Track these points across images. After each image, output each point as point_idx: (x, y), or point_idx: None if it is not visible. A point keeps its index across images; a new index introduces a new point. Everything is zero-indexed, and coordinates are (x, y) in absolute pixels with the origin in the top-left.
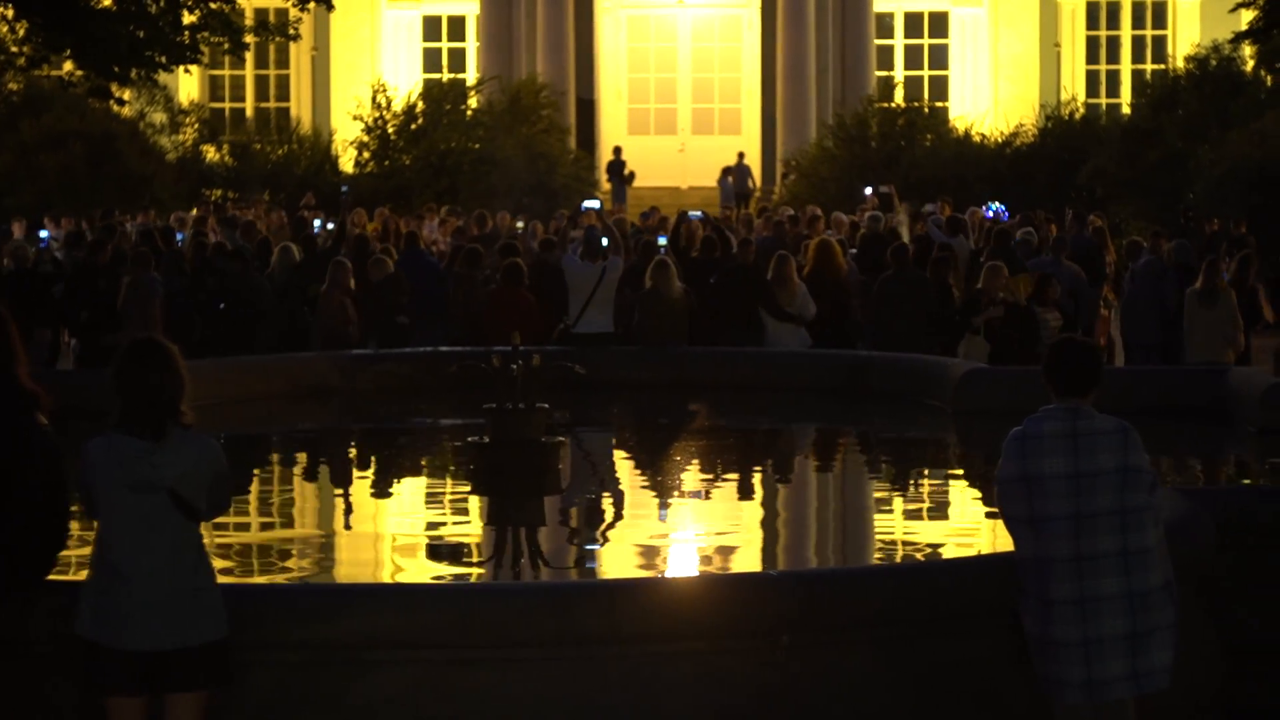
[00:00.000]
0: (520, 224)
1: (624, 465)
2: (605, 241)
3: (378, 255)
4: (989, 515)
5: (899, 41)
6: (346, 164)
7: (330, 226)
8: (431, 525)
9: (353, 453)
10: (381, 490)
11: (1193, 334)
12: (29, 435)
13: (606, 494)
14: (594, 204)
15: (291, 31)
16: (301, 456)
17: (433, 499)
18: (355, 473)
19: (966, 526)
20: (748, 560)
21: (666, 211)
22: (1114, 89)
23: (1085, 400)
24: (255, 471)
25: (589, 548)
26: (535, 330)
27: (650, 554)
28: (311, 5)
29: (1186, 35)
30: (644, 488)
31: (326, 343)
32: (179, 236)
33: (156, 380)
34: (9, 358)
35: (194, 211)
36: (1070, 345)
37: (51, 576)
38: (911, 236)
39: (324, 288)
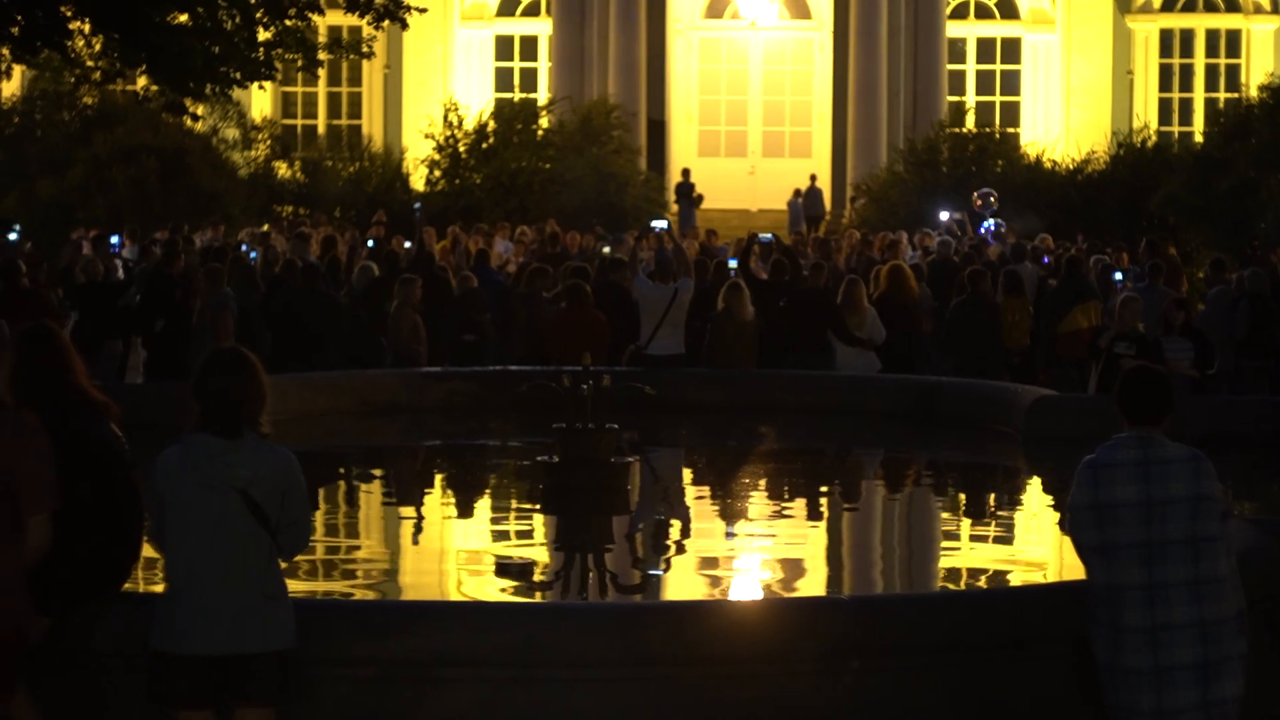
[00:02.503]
0: (607, 249)
1: (692, 486)
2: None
3: (465, 272)
4: (1057, 542)
5: (971, 66)
6: (417, 182)
7: (407, 245)
8: (500, 543)
9: (421, 470)
10: (450, 508)
11: None
12: (97, 446)
13: (674, 515)
14: (662, 224)
15: (365, 49)
16: (370, 473)
17: (501, 517)
18: (423, 490)
19: (1034, 553)
20: (814, 584)
21: (736, 234)
22: (1186, 117)
23: (1158, 428)
24: (323, 488)
25: (656, 569)
26: (603, 351)
27: (716, 576)
28: (386, 24)
29: (1260, 64)
30: (711, 509)
31: (397, 360)
32: (252, 255)
33: (237, 385)
34: (64, 369)
35: (264, 227)
36: (1143, 373)
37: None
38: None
39: (394, 305)
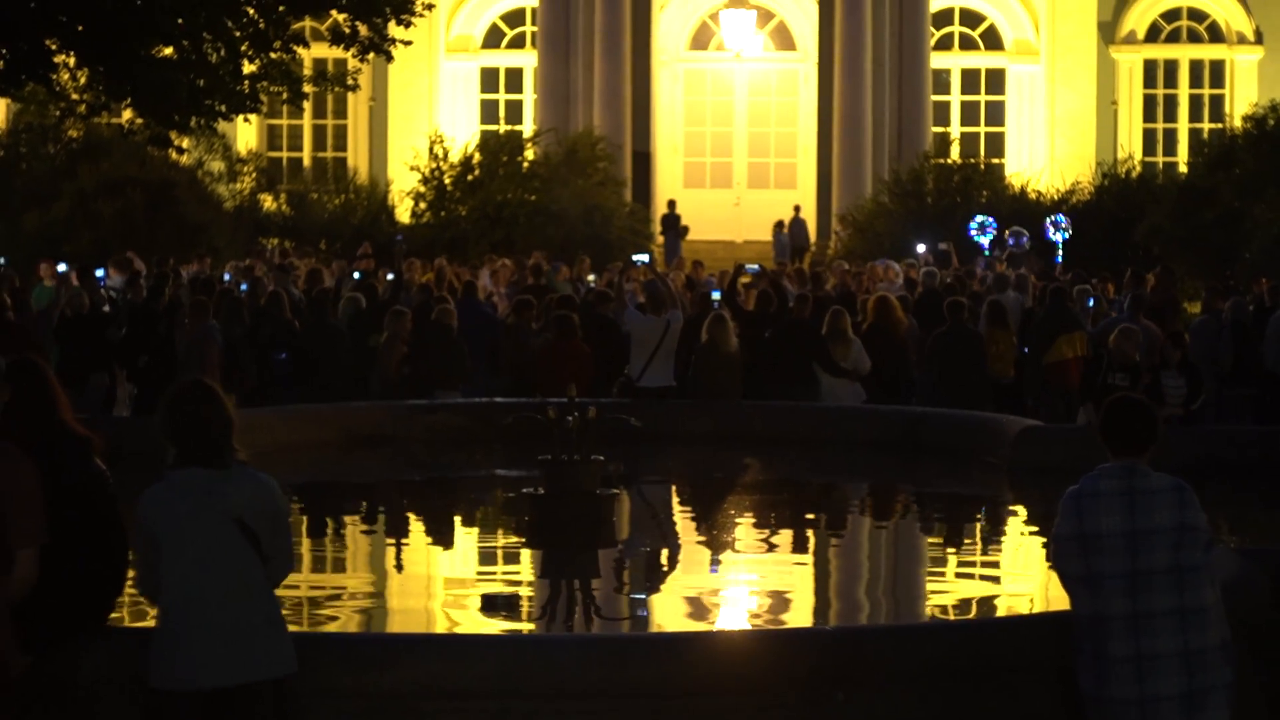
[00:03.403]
0: (591, 277)
1: (678, 518)
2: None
3: (444, 306)
4: (1042, 573)
5: (955, 97)
6: (403, 214)
7: (390, 277)
8: (485, 576)
9: (407, 502)
10: (435, 540)
11: None
12: (81, 479)
13: (660, 546)
14: (644, 257)
15: (351, 82)
16: (356, 505)
17: (487, 550)
18: (409, 522)
19: (1019, 584)
20: (799, 615)
21: (722, 265)
22: (1171, 147)
23: (1141, 458)
24: (310, 520)
25: (641, 600)
26: (587, 382)
27: (702, 607)
28: (371, 56)
29: (1244, 94)
30: (697, 541)
31: (385, 392)
32: (242, 287)
33: (210, 415)
34: (50, 404)
35: (246, 261)
36: (1126, 404)
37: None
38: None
39: (383, 338)
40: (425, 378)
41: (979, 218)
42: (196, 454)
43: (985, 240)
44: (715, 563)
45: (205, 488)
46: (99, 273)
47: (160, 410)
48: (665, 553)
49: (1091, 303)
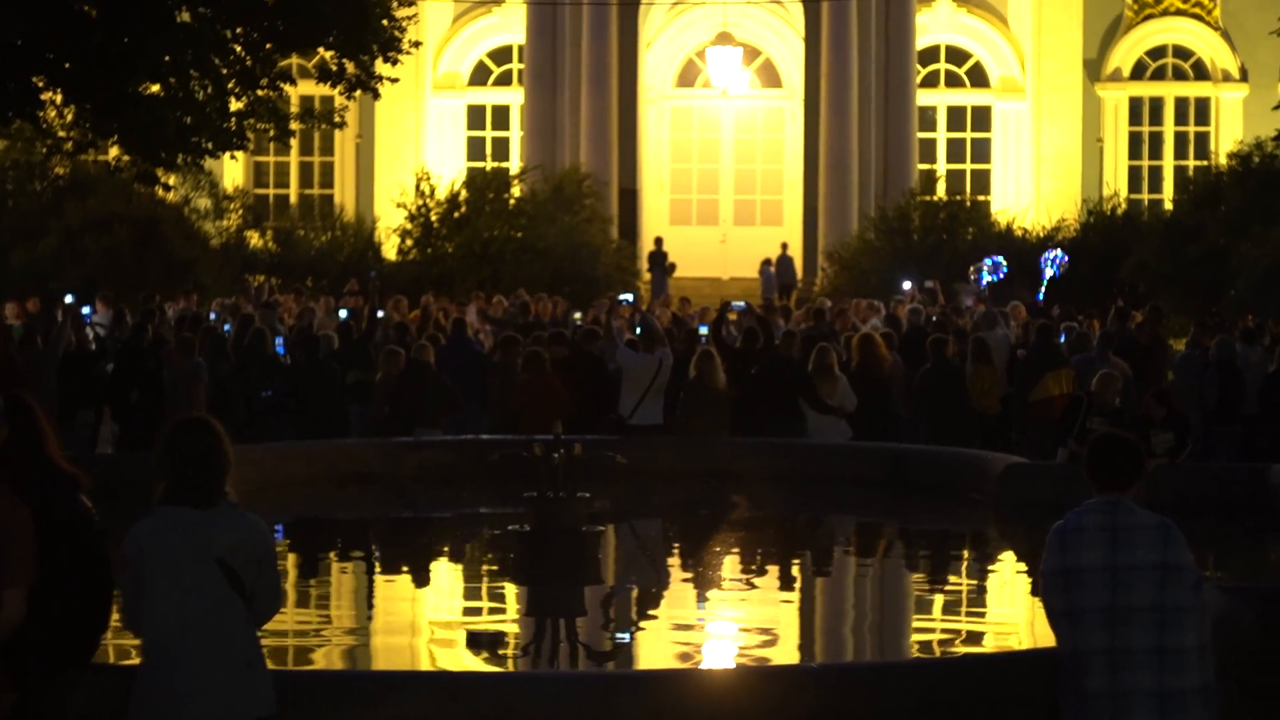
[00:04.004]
0: (577, 315)
1: (664, 555)
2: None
3: (422, 342)
4: (1028, 609)
5: (941, 135)
6: (389, 251)
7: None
8: (471, 613)
9: (393, 539)
10: (421, 577)
11: None
12: (69, 516)
13: (646, 584)
14: (628, 297)
15: (338, 119)
16: (342, 542)
17: (472, 586)
18: (395, 559)
19: (1005, 621)
20: (786, 652)
21: (709, 301)
22: (1156, 184)
23: (1126, 494)
24: (296, 557)
25: (627, 637)
26: (559, 417)
27: (688, 645)
28: (358, 93)
29: (1229, 132)
30: (683, 578)
31: (375, 429)
32: (226, 327)
33: (205, 452)
34: (39, 440)
35: (232, 299)
36: (1110, 440)
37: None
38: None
39: (378, 377)
40: (406, 415)
41: (990, 259)
42: (185, 491)
43: (992, 279)
44: (701, 599)
45: (189, 527)
46: (85, 310)
47: (158, 444)
48: (651, 589)
49: (1063, 338)
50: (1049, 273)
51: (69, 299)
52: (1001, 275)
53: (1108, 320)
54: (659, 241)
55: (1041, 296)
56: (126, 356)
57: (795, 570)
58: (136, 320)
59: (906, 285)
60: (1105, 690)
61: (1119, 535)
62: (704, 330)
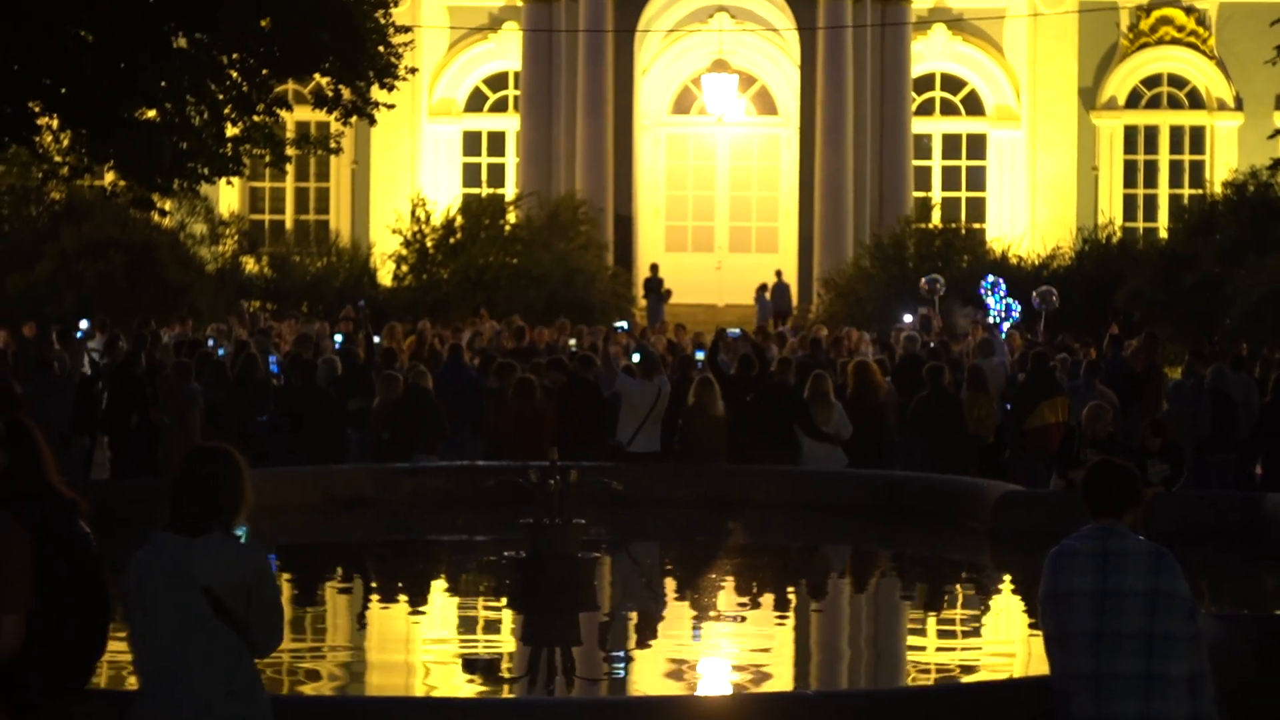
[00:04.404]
0: (573, 341)
1: (659, 582)
2: (636, 357)
3: (419, 368)
4: (1023, 637)
5: (937, 162)
6: (385, 277)
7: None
8: (467, 639)
9: (389, 565)
10: (417, 604)
11: None
12: (67, 541)
13: (641, 610)
14: (623, 324)
15: (334, 145)
16: (337, 569)
17: (468, 613)
18: (391, 585)
19: (1000, 648)
20: (782, 679)
21: (703, 328)
22: (1151, 213)
23: (1120, 520)
24: (291, 583)
25: (623, 664)
26: (549, 443)
27: (684, 671)
28: (354, 119)
29: (1224, 160)
30: (679, 604)
31: (373, 455)
32: (220, 351)
33: (205, 479)
34: (38, 463)
35: (227, 324)
36: (1105, 467)
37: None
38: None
39: (375, 403)
40: (404, 441)
41: (990, 277)
42: (178, 519)
43: (992, 300)
44: (697, 626)
45: (176, 554)
46: (82, 326)
47: (175, 470)
48: (647, 616)
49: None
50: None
51: (85, 324)
52: (1000, 293)
53: (1103, 348)
54: (654, 268)
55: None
56: (121, 381)
57: (791, 597)
58: (130, 346)
59: (908, 318)
60: (1091, 716)
61: (1110, 561)
62: (700, 356)
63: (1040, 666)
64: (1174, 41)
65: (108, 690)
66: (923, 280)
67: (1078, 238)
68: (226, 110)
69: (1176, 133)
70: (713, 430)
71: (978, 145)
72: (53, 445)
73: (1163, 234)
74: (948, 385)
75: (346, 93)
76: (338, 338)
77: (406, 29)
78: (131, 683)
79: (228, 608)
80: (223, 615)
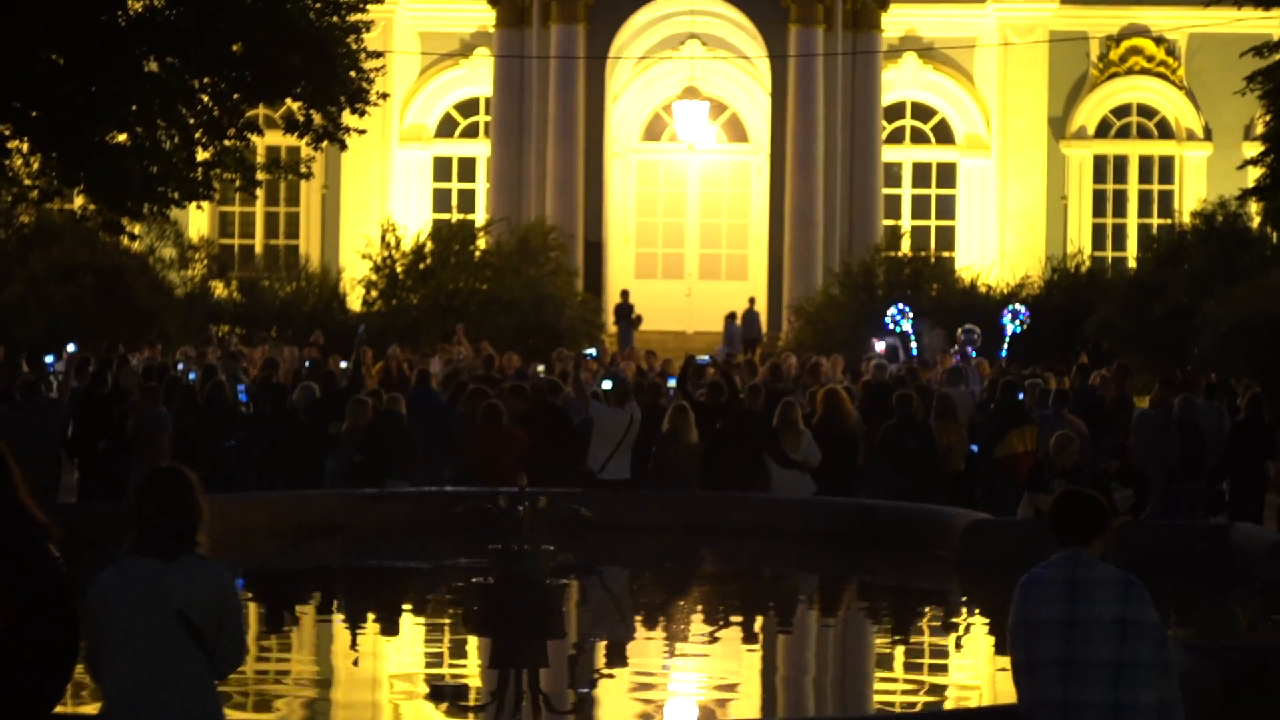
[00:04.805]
0: (540, 367)
1: (628, 609)
2: (608, 385)
3: (394, 394)
4: (990, 666)
5: (906, 191)
6: (354, 302)
7: (344, 365)
8: (433, 665)
9: (357, 590)
10: (384, 629)
11: None
12: (39, 567)
13: (610, 637)
14: (592, 351)
15: (304, 170)
16: (306, 593)
17: (435, 639)
18: (358, 610)
19: (967, 677)
20: (749, 706)
21: (673, 355)
22: (1120, 242)
23: (1088, 549)
24: (259, 609)
25: (591, 692)
26: (517, 468)
27: (652, 699)
28: (325, 144)
29: (1193, 190)
30: (647, 631)
31: (345, 480)
32: (190, 376)
33: (174, 502)
34: (10, 487)
35: (195, 348)
36: (1073, 496)
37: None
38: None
39: (344, 427)
40: (377, 466)
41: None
42: (149, 542)
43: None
44: (665, 653)
45: (150, 578)
46: (49, 358)
47: (131, 493)
48: (615, 643)
49: (1020, 395)
50: (1011, 328)
51: (71, 348)
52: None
53: (1070, 377)
54: (625, 294)
55: (1004, 353)
56: (88, 405)
57: (759, 625)
58: (95, 369)
59: (880, 346)
60: None
61: (1079, 589)
62: (672, 383)
63: (1007, 695)
64: (1144, 71)
65: (75, 715)
66: (890, 310)
67: (1047, 267)
68: (197, 134)
69: (1146, 162)
70: (687, 457)
71: (947, 174)
72: (40, 468)
73: (1132, 263)
74: (916, 413)
75: (317, 118)
76: (306, 364)
77: (378, 54)
78: (91, 710)
79: (200, 631)
80: (195, 638)
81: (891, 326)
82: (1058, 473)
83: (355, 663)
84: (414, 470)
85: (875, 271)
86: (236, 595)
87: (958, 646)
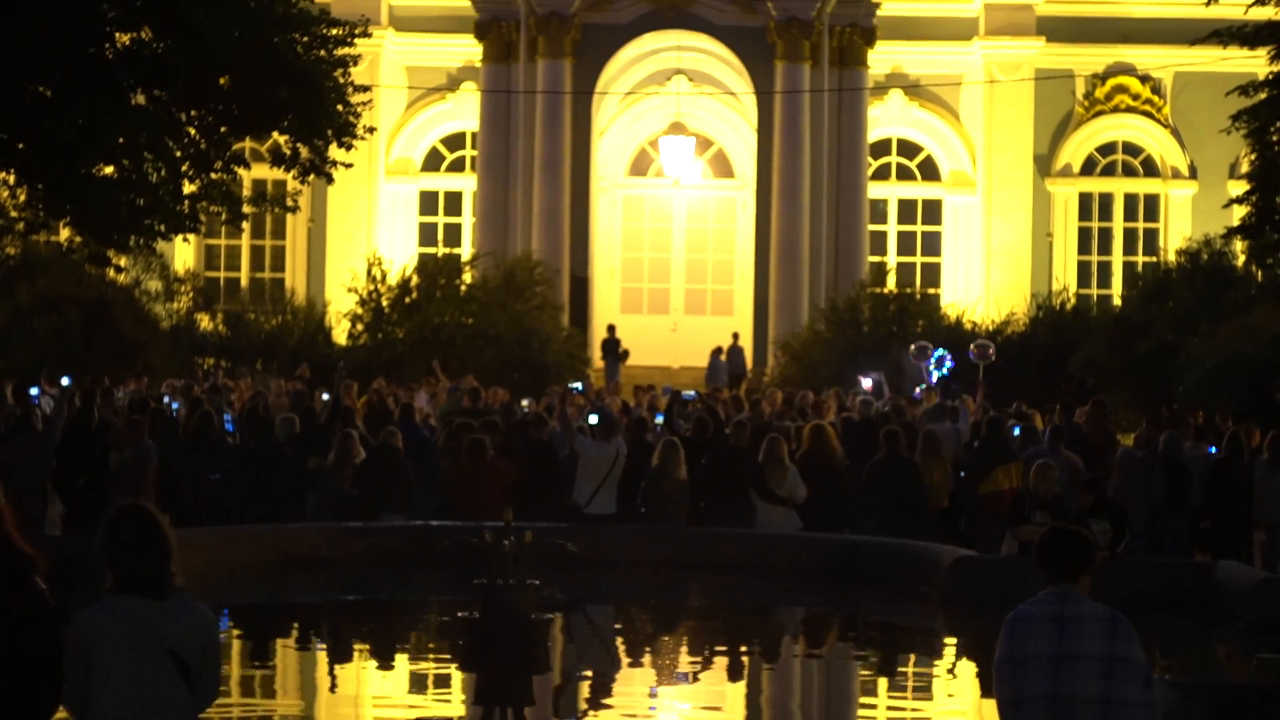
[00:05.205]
0: (525, 402)
1: (613, 643)
2: (594, 420)
3: (391, 428)
4: (973, 702)
5: (892, 227)
6: (340, 335)
7: (325, 397)
8: (418, 701)
9: (341, 624)
10: (369, 663)
11: (1264, 499)
12: (25, 598)
13: (595, 672)
14: (578, 385)
15: (290, 203)
16: (289, 627)
17: (420, 674)
18: (343, 645)
19: (951, 712)
20: None
21: (658, 390)
22: (1105, 280)
23: (1075, 585)
24: (243, 642)
25: None
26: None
27: None
28: (311, 177)
29: (1178, 228)
30: (632, 667)
31: (332, 514)
32: (174, 405)
33: (147, 540)
34: None
35: (181, 381)
36: (1060, 532)
37: None
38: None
39: (330, 459)
40: (374, 499)
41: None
42: (134, 581)
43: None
44: (650, 688)
45: (142, 617)
46: (33, 390)
47: (98, 533)
48: (600, 678)
49: (1018, 430)
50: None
51: (65, 381)
52: (949, 369)
53: (1050, 417)
54: (611, 329)
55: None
56: (72, 437)
57: (744, 660)
58: (81, 402)
59: (867, 383)
60: None
61: (1066, 625)
62: (660, 419)
63: None
64: (1129, 110)
65: None
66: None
67: (1032, 304)
68: (184, 167)
69: (1131, 200)
70: (676, 492)
71: (933, 210)
72: (29, 500)
73: (1117, 301)
74: (903, 450)
75: (304, 151)
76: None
77: (365, 88)
78: None
79: (189, 668)
80: (184, 675)
81: (933, 370)
82: (1038, 503)
83: (336, 694)
84: (409, 504)
85: (861, 308)
86: (218, 633)
87: (942, 682)
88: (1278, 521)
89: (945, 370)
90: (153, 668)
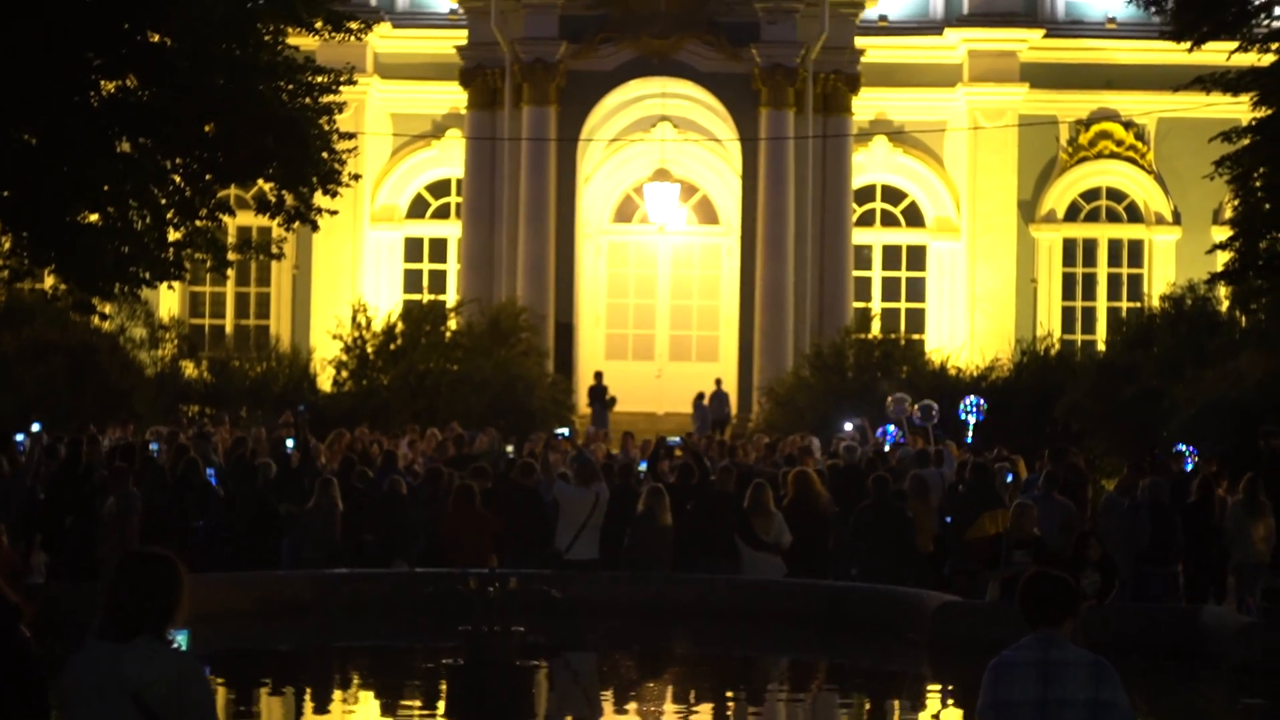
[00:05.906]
0: (510, 447)
1: (597, 690)
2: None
3: (394, 476)
4: None
5: (877, 273)
6: (325, 382)
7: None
8: None
9: (326, 671)
10: (353, 710)
11: (1236, 541)
12: (9, 647)
13: (579, 719)
14: (564, 431)
15: (275, 251)
16: (272, 675)
17: None
18: (327, 692)
19: None
20: None
21: (643, 436)
22: (1089, 325)
23: (1059, 630)
24: (226, 690)
25: None
26: (488, 551)
27: None
28: (296, 224)
29: (1162, 274)
30: (617, 714)
31: (314, 560)
32: (153, 446)
33: (137, 585)
34: None
35: (166, 429)
36: (1042, 577)
37: None
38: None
39: (311, 504)
40: (386, 546)
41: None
42: (108, 625)
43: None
44: None
45: (105, 660)
46: (19, 437)
47: (104, 577)
48: None
49: (1010, 478)
50: (971, 419)
51: (36, 427)
52: (934, 418)
53: (1033, 464)
54: (598, 376)
55: (970, 440)
56: (59, 485)
57: (729, 706)
58: (67, 450)
59: (849, 426)
60: None
61: (1051, 671)
62: (644, 467)
63: None
64: (1113, 156)
65: None
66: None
67: (1016, 349)
68: (169, 215)
69: (1115, 246)
70: (661, 538)
71: (917, 256)
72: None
73: (1101, 346)
74: (890, 495)
75: (289, 198)
76: (289, 443)
77: (350, 135)
78: None
79: (157, 714)
80: None
81: (965, 417)
82: (1016, 543)
83: None
84: (413, 551)
85: (845, 353)
86: (201, 677)
87: None
88: (1251, 563)
89: (933, 419)
90: (115, 713)
